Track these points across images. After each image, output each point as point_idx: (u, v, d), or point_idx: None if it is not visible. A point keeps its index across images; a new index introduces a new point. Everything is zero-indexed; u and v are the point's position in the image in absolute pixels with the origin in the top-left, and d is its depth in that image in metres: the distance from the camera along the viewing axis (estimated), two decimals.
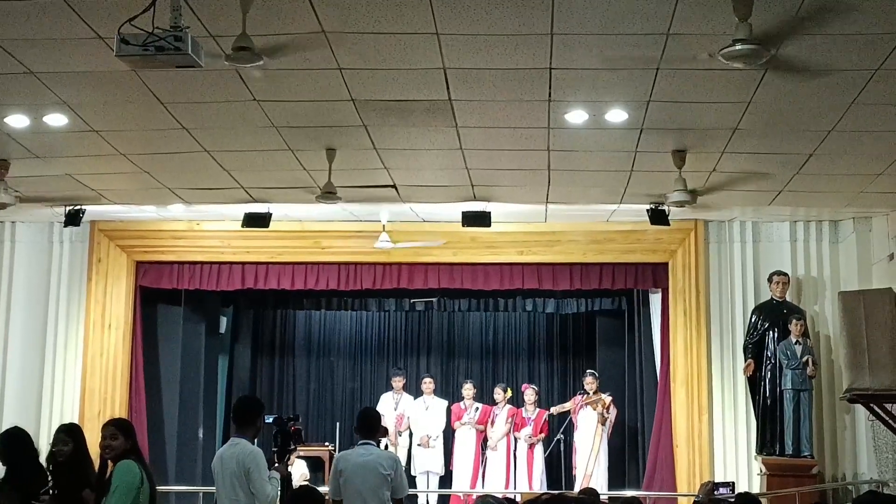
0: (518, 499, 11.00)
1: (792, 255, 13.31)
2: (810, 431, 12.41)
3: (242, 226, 12.22)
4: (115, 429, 6.75)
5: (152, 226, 13.70)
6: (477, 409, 14.67)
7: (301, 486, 7.88)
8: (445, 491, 14.45)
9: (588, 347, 16.35)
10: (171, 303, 14.49)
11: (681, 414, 13.19)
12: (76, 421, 13.29)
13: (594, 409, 14.03)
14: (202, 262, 14.01)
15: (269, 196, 11.70)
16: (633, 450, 14.71)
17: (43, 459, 7.05)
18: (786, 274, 12.97)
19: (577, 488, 12.63)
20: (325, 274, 14.06)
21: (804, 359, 12.42)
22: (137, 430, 13.17)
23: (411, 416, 14.73)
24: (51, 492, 6.80)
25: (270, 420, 7.75)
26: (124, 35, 5.35)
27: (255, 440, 7.31)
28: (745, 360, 12.86)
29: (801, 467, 12.31)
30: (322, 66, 7.51)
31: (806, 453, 12.35)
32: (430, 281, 14.05)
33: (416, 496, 14.08)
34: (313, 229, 13.60)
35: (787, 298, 12.95)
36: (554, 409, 14.67)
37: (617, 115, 8.61)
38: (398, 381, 15.06)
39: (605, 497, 11.81)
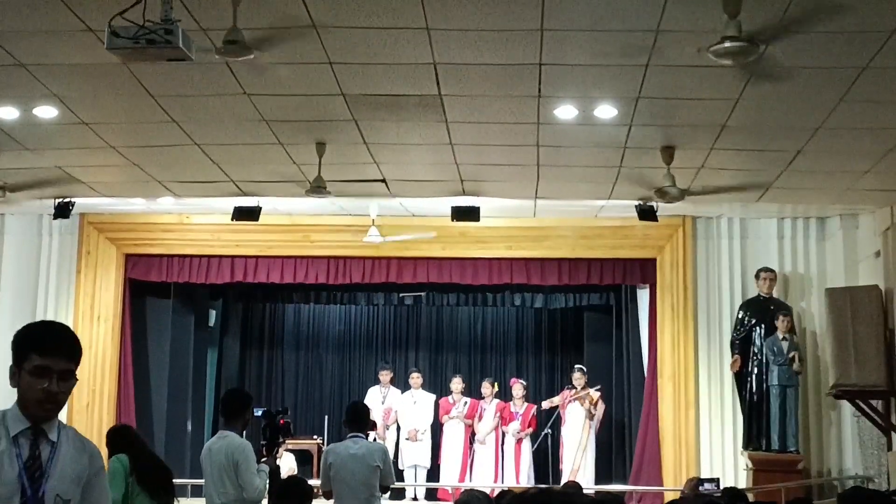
0: None
1: (779, 251, 13.37)
2: (796, 427, 12.48)
3: (232, 219, 12.22)
4: None
5: (142, 218, 13.71)
6: (465, 403, 14.71)
7: (289, 477, 7.90)
8: (433, 485, 14.48)
9: (576, 342, 16.39)
10: (160, 295, 14.50)
11: (667, 409, 13.26)
12: (65, 412, 13.31)
13: (582, 405, 14.07)
14: (191, 256, 14.04)
15: (258, 189, 11.70)
16: (620, 445, 14.75)
17: None
18: (773, 270, 13.03)
19: (563, 482, 12.67)
20: (314, 268, 14.08)
21: (790, 355, 12.48)
22: (126, 422, 13.25)
23: (399, 409, 14.76)
24: None
25: (259, 413, 7.77)
26: (115, 28, 5.35)
27: (244, 433, 7.33)
28: (732, 356, 12.92)
29: (787, 463, 12.38)
30: (312, 61, 7.52)
31: (792, 449, 12.42)
32: (418, 275, 14.09)
33: (403, 490, 14.12)
34: (303, 223, 13.63)
35: (774, 295, 13.02)
36: (545, 404, 14.71)
37: (606, 112, 8.63)
38: (385, 375, 15.09)
39: (592, 491, 11.86)
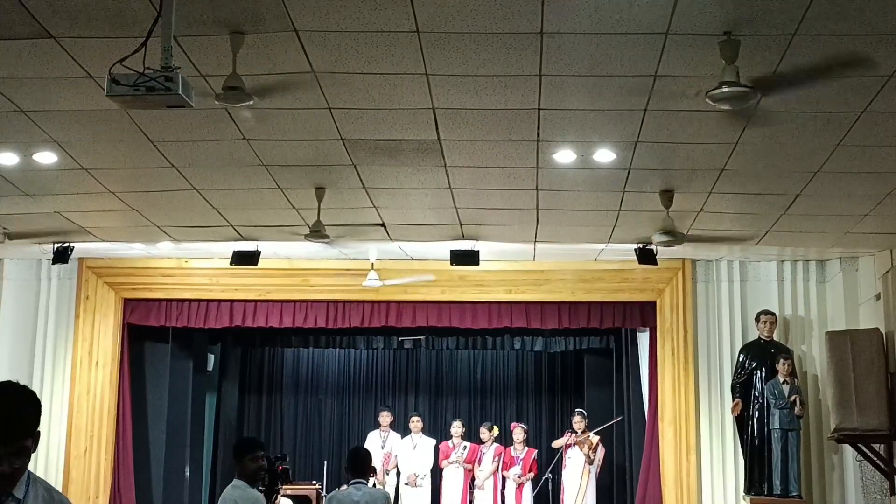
0: None
1: (779, 294, 13.35)
2: (798, 471, 12.39)
3: (231, 263, 12.21)
4: None
5: (140, 263, 13.69)
6: (465, 447, 14.64)
7: None
8: None
9: (576, 386, 16.36)
10: (158, 340, 14.45)
11: (669, 453, 13.18)
12: (62, 459, 13.23)
13: (581, 450, 14.01)
14: (190, 300, 14.01)
15: (257, 234, 11.70)
16: (622, 489, 14.67)
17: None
18: (773, 313, 12.99)
19: None
20: (313, 312, 14.05)
21: (792, 398, 12.42)
22: (124, 468, 13.18)
23: (399, 454, 14.69)
24: None
25: None
26: (115, 75, 5.35)
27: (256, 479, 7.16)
28: (733, 400, 12.85)
29: None
30: (312, 106, 7.53)
31: (794, 493, 12.32)
32: (418, 319, 14.04)
33: None
34: (302, 267, 13.61)
35: (775, 338, 12.97)
36: (556, 444, 14.64)
37: (605, 156, 8.64)
38: (385, 419, 15.03)
39: None
